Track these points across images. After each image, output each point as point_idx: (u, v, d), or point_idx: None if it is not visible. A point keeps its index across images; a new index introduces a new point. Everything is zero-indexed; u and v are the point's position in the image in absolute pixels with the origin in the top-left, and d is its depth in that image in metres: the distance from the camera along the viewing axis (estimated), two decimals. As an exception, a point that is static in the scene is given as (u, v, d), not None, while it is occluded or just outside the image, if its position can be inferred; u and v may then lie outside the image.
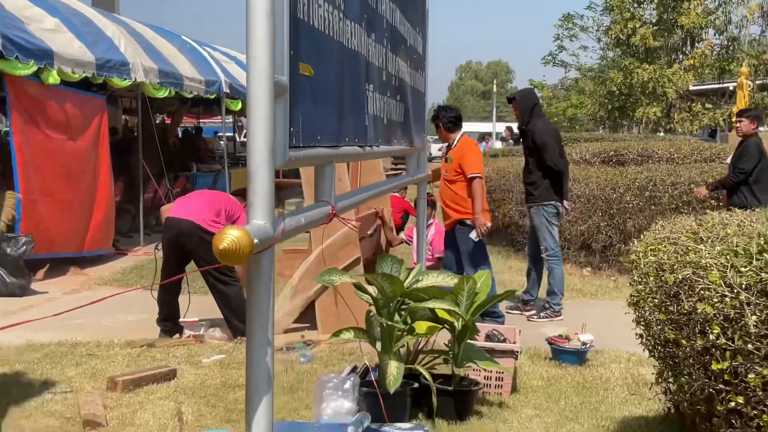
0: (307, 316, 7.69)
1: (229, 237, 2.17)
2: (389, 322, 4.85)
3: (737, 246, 3.22)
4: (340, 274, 5.01)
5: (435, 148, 37.57)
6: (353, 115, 3.50)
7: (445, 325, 5.20)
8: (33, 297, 9.30)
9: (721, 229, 3.59)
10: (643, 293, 3.76)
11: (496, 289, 7.77)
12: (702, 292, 3.18)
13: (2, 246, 9.18)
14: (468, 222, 7.62)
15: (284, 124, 2.42)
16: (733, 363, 3.08)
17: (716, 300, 3.10)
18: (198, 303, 7.67)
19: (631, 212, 10.74)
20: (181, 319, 7.42)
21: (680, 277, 3.34)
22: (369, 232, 8.83)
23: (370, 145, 3.82)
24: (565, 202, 8.47)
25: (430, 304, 4.92)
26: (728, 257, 3.17)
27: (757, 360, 3.00)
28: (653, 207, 10.61)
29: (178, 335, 7.33)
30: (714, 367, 3.15)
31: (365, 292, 5.01)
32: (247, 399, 2.44)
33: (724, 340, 3.09)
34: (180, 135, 21.86)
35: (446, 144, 7.99)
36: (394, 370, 4.74)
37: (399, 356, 4.87)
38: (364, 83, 3.73)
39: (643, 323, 3.90)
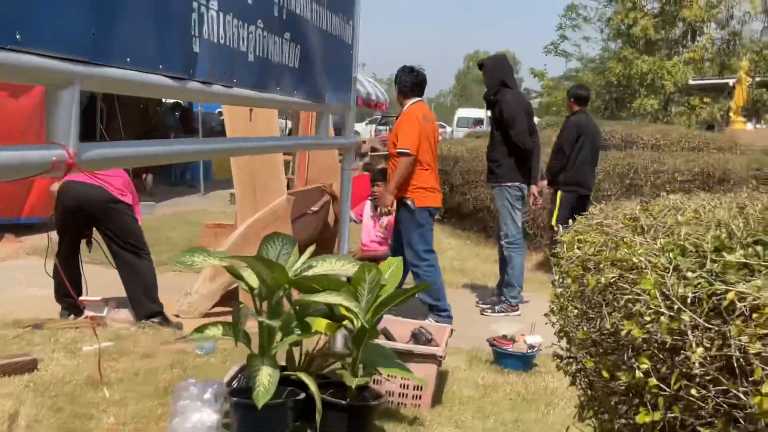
0: (231, 300, 6.61)
1: None
2: (264, 320, 3.74)
3: (686, 240, 2.09)
4: (206, 255, 3.87)
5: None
6: (160, 30, 2.39)
7: (344, 324, 4.09)
8: (-54, 264, 8.24)
9: (671, 216, 2.46)
10: (563, 298, 2.64)
11: (442, 280, 6.68)
12: (629, 305, 2.06)
13: None
14: (407, 201, 6.48)
15: None
16: (669, 415, 1.96)
17: (648, 318, 1.98)
18: (98, 277, 6.61)
19: (608, 201, 9.57)
20: (81, 298, 6.33)
21: (603, 280, 2.22)
22: (314, 209, 7.71)
23: (203, 81, 2.71)
24: (533, 186, 7.34)
25: (320, 298, 3.79)
26: (671, 256, 2.05)
27: (703, 414, 1.89)
28: (633, 196, 9.47)
29: (73, 315, 6.24)
30: (640, 419, 2.03)
31: (242, 279, 3.89)
32: None
33: (655, 381, 1.97)
34: (172, 107, 20.42)
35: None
36: (266, 379, 3.62)
37: (274, 361, 3.75)
38: (195, -6, 2.63)
39: (565, 339, 2.78)
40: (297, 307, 3.91)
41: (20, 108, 10.05)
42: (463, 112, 43.40)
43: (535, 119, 7.98)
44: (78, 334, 5.73)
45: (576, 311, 2.47)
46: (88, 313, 6.19)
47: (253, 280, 3.86)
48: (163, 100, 19.06)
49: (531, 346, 5.44)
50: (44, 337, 5.57)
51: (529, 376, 5.34)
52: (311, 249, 4.13)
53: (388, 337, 4.91)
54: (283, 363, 4.14)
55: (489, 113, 7.39)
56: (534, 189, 7.35)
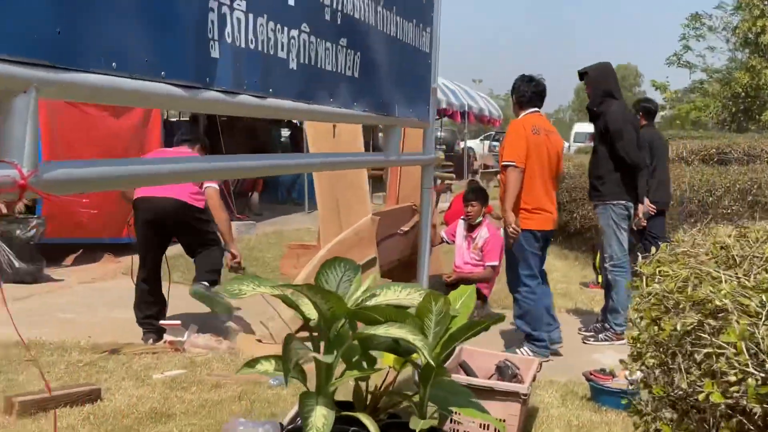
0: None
1: None
2: (317, 356, 3.40)
3: (788, 278, 1.63)
4: (256, 283, 3.56)
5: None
6: (161, 32, 2.09)
7: (412, 359, 3.71)
8: (43, 285, 8.26)
9: (773, 243, 1.99)
10: (640, 343, 2.19)
11: (542, 309, 6.20)
12: (709, 361, 1.62)
13: (12, 228, 8.16)
14: (517, 221, 6.01)
15: None
16: None
17: (733, 380, 1.53)
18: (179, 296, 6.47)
19: (729, 218, 8.89)
20: (162, 321, 6.16)
21: (680, 327, 1.77)
22: (404, 229, 7.36)
23: (226, 91, 2.39)
24: (641, 205, 6.77)
25: (381, 330, 3.42)
26: (765, 298, 1.59)
27: None
28: (756, 214, 8.74)
29: (152, 339, 6.07)
30: None
31: (297, 309, 3.57)
32: None
33: (742, 464, 1.52)
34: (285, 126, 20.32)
35: None
36: (320, 420, 3.27)
37: (330, 400, 3.40)
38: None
39: (647, 390, 2.32)
40: (359, 340, 3.56)
41: (121, 128, 10.13)
42: (580, 127, 42.22)
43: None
44: (153, 360, 5.55)
45: (653, 360, 2.03)
46: (167, 337, 6.02)
47: (310, 311, 3.53)
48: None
49: (633, 382, 4.91)
50: (118, 364, 5.40)
51: (632, 417, 4.82)
52: (373, 276, 3.77)
53: (467, 371, 4.49)
54: (350, 398, 3.80)
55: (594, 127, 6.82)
56: (641, 208, 6.76)
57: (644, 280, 2.29)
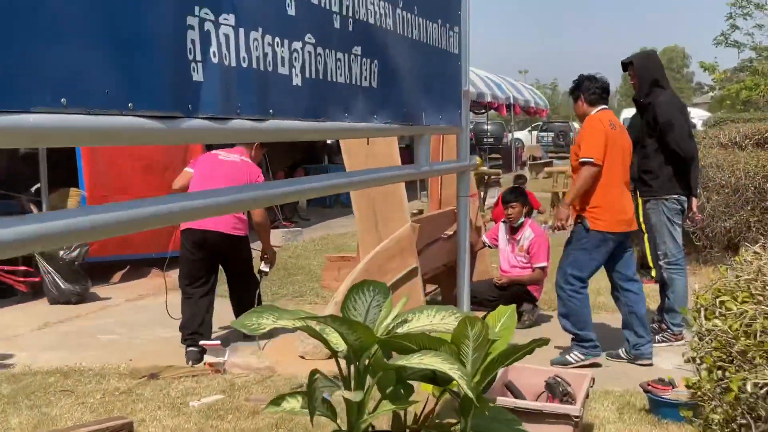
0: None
1: None
2: (344, 393, 3.07)
3: None
4: (276, 315, 3.24)
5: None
6: (125, 58, 1.77)
7: (450, 387, 3.37)
8: (91, 304, 8.10)
9: None
10: (700, 392, 1.83)
11: (588, 309, 5.80)
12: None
13: (56, 249, 8.00)
14: (583, 219, 5.58)
15: None
16: None
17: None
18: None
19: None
20: (202, 342, 5.91)
21: (751, 389, 1.41)
22: (448, 233, 7.01)
23: (213, 117, 2.07)
24: (694, 199, 6.32)
25: (414, 361, 3.08)
26: None
27: None
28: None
29: (192, 362, 5.82)
30: None
31: (324, 341, 3.25)
32: None
33: None
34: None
35: None
36: (351, 462, 2.96)
37: (361, 439, 3.08)
38: (195, 8, 2.01)
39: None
40: (393, 370, 3.23)
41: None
42: (628, 113, 41.33)
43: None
44: (192, 385, 5.30)
45: (716, 416, 1.66)
46: (207, 359, 5.77)
47: (338, 341, 3.22)
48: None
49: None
50: (155, 390, 5.15)
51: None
52: (404, 301, 3.42)
53: (514, 392, 4.14)
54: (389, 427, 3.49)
55: (640, 118, 6.36)
56: (694, 202, 6.31)
57: (702, 313, 1.92)
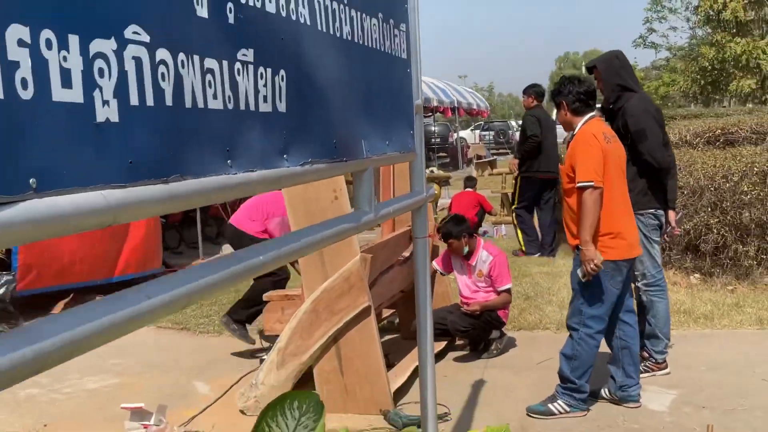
0: (305, 388, 4.68)
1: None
2: None
3: None
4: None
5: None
6: None
7: None
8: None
9: None
10: None
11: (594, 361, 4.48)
12: None
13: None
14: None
15: None
16: None
17: None
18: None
19: (749, 205, 7.16)
20: (122, 405, 4.50)
21: None
22: (405, 254, 5.67)
23: None
24: (671, 212, 5.04)
25: None
26: None
27: None
28: (779, 199, 7.02)
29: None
30: None
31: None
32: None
33: None
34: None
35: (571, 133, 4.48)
36: None
37: None
38: None
39: None
40: None
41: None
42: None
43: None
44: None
45: None
46: (127, 426, 4.35)
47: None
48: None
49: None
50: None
51: None
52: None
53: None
54: None
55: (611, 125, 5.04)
56: (671, 215, 5.03)
57: None
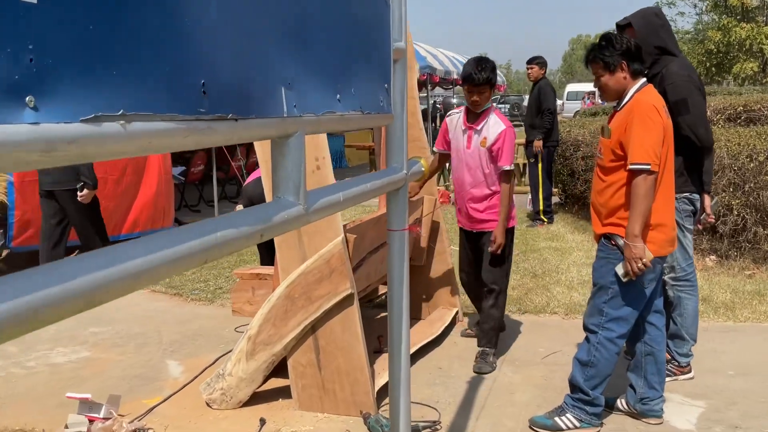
0: (280, 372, 3.63)
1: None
2: None
3: None
4: None
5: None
6: None
7: None
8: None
9: None
10: None
11: (612, 371, 3.34)
12: None
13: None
14: (620, 241, 3.05)
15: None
16: None
17: None
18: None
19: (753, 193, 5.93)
20: (67, 394, 3.47)
21: None
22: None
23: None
24: (705, 196, 3.84)
25: None
26: None
27: None
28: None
29: None
30: None
31: None
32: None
33: None
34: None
35: (616, 103, 3.20)
36: None
37: None
38: None
39: None
40: None
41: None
42: (572, 87, 39.14)
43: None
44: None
45: None
46: (70, 419, 3.33)
47: None
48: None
49: None
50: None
51: None
52: None
53: None
54: None
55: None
56: (707, 200, 3.83)
57: None
